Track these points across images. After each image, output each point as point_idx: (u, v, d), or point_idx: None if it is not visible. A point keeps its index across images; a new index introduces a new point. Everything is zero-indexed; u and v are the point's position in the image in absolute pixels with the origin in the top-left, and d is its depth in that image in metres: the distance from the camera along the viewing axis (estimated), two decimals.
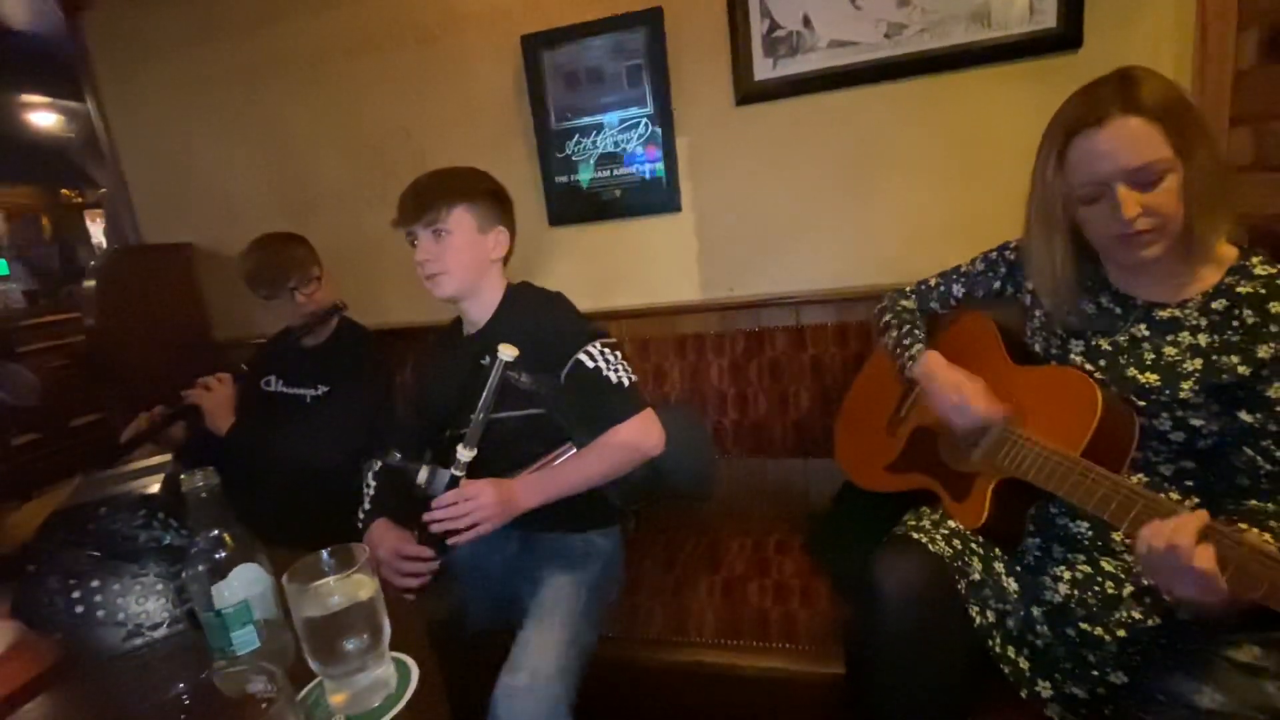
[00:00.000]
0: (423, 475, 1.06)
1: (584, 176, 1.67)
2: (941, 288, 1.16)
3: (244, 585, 0.61)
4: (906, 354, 1.08)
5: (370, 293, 1.84)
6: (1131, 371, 0.89)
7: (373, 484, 1.22)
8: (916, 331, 1.10)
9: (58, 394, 2.90)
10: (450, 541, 0.99)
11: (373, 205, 1.87)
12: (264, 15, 1.82)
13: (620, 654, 1.14)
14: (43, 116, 4.53)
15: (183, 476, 0.59)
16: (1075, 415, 0.85)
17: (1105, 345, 0.93)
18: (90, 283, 1.85)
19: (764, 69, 1.50)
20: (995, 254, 1.09)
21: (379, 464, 1.23)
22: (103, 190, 5.66)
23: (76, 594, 0.67)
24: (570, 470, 1.08)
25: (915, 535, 0.93)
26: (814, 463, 1.47)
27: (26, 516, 2.10)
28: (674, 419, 1.15)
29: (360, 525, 1.17)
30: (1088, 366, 0.93)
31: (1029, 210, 0.95)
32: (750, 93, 1.52)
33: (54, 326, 3.21)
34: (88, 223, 5.94)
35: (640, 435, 1.09)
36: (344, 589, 0.57)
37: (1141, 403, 0.88)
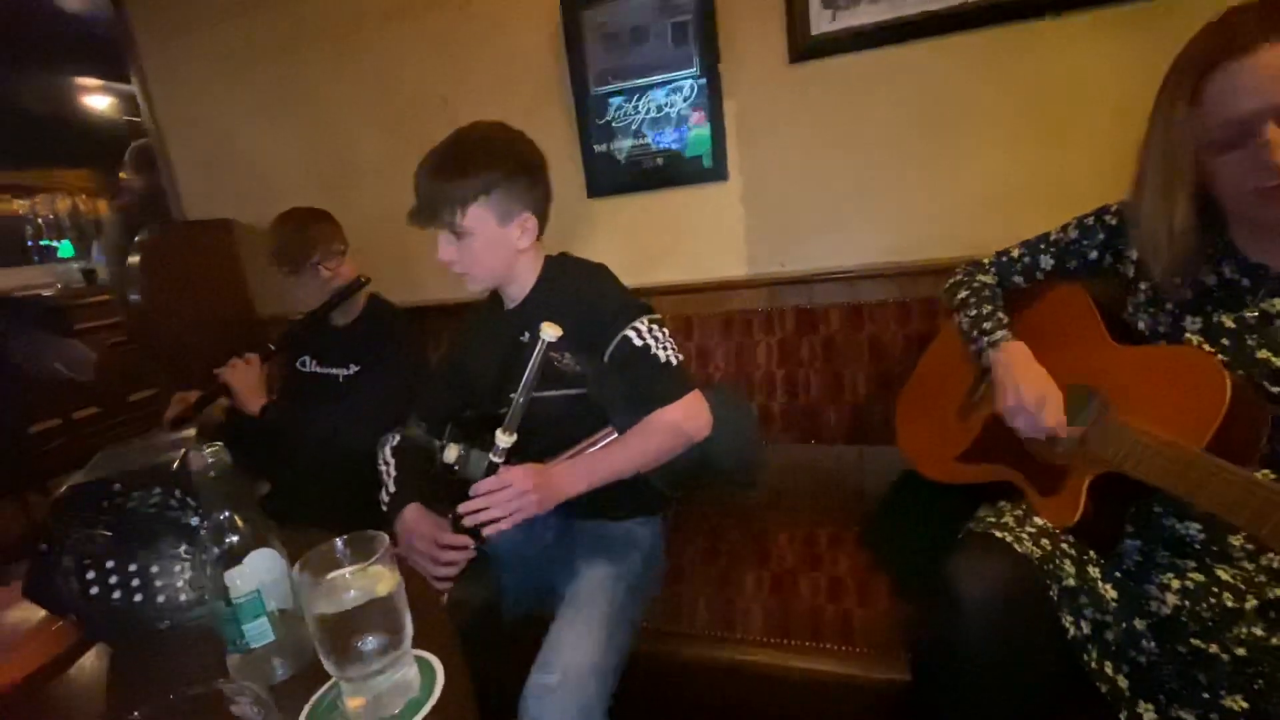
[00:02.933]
0: (452, 455, 1.01)
1: (625, 144, 1.58)
2: (1026, 259, 1.04)
3: (257, 573, 0.56)
4: (986, 338, 0.96)
5: (405, 269, 1.80)
6: (1263, 353, 0.76)
7: (391, 461, 1.15)
8: (1000, 314, 0.98)
9: (116, 369, 2.98)
10: (486, 531, 0.93)
11: (409, 178, 1.80)
12: None
13: (660, 648, 1.07)
14: (97, 99, 4.67)
15: (190, 454, 0.54)
16: (1197, 402, 0.73)
17: (1228, 322, 0.80)
18: (135, 258, 1.86)
19: (822, 21, 1.37)
20: (1092, 219, 0.96)
21: (396, 439, 1.17)
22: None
23: (91, 575, 0.64)
24: (614, 455, 1.01)
25: (998, 534, 0.82)
26: (870, 450, 1.37)
27: None
28: (720, 401, 1.06)
29: (385, 508, 1.11)
30: (1206, 347, 0.81)
31: (1142, 164, 0.82)
32: (806, 49, 1.40)
33: (110, 304, 3.30)
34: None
35: (687, 418, 1.01)
36: (361, 583, 0.51)
37: (1274, 389, 0.75)
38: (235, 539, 0.55)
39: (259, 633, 0.56)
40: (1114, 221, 0.93)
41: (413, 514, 1.05)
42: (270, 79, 1.90)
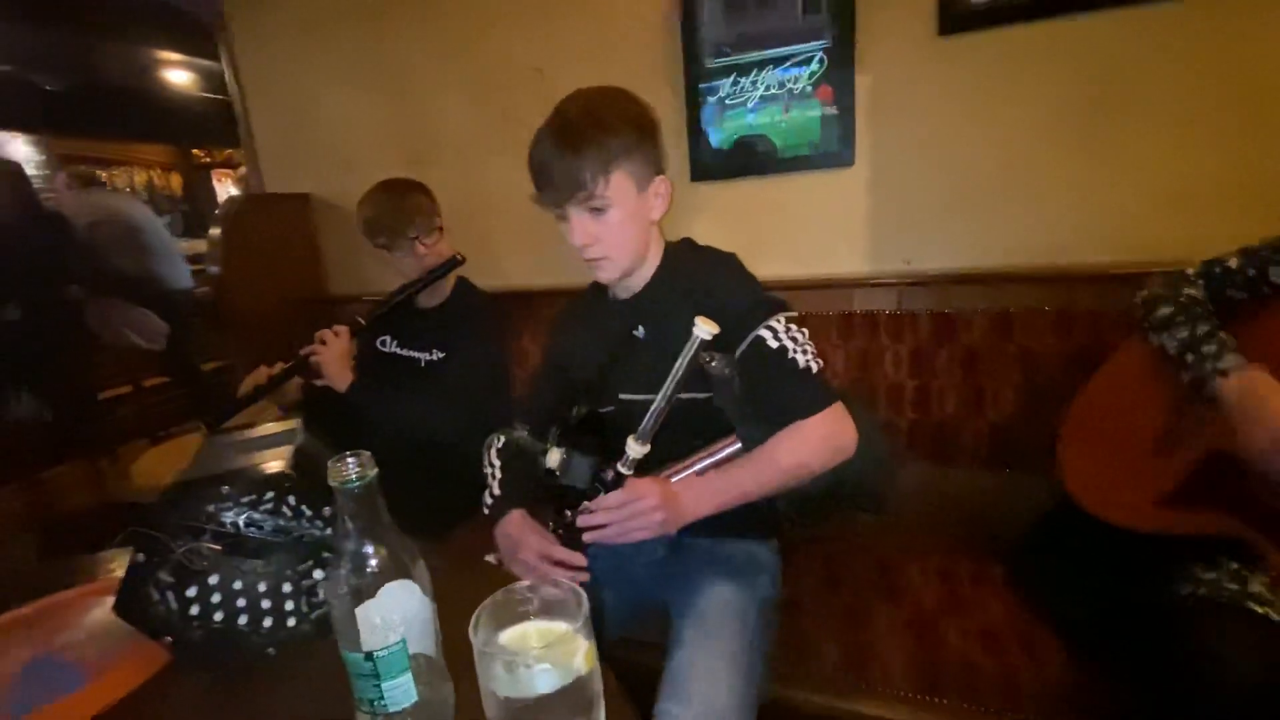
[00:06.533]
0: (554, 459, 0.90)
1: (737, 123, 1.44)
2: (1250, 271, 0.86)
3: (398, 611, 0.45)
4: (1210, 364, 0.80)
5: (489, 252, 1.70)
6: None
7: (497, 463, 1.06)
8: (1222, 335, 0.82)
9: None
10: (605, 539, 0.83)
11: (495, 155, 1.72)
12: None
13: (781, 691, 0.94)
14: (177, 74, 4.75)
15: (331, 464, 0.43)
16: None
17: None
18: (216, 230, 1.82)
19: None
20: None
21: (502, 440, 1.08)
22: (229, 152, 5.96)
23: (191, 591, 0.54)
24: (745, 474, 0.88)
25: (1258, 608, 0.66)
26: (1014, 477, 1.20)
27: (149, 464, 2.16)
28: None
29: (486, 511, 1.02)
30: None
31: None
32: (959, 18, 1.24)
33: None
34: (214, 182, 6.28)
35: (830, 433, 0.88)
36: (554, 656, 0.39)
37: None
38: (374, 566, 0.44)
39: (401, 693, 0.44)
40: None
41: (517, 522, 0.95)
42: (354, 47, 1.82)
